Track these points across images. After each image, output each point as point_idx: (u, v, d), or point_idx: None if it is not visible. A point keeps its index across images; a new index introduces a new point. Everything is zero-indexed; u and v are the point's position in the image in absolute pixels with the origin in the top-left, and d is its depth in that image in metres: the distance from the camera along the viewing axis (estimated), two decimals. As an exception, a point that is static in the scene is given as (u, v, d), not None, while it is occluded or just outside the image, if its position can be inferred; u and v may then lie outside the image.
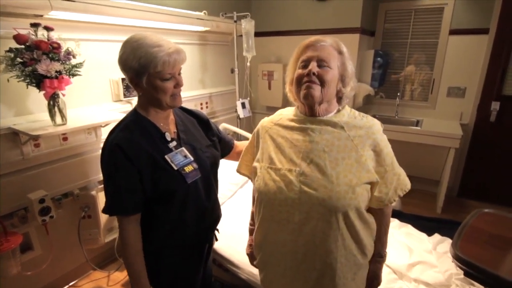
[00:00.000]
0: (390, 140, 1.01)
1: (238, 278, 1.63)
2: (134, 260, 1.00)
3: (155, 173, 1.00)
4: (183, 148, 1.09)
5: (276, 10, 3.35)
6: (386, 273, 1.53)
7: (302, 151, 0.95)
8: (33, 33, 1.49)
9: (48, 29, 1.53)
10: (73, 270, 2.07)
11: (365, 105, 3.51)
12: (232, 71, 2.95)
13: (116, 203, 0.99)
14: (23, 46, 1.46)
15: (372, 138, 0.95)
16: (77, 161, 1.86)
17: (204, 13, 2.62)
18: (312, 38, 0.98)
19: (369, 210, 1.00)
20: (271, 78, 3.39)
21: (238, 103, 2.96)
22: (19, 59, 1.44)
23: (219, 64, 3.12)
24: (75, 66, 1.62)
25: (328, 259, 0.92)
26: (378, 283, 1.10)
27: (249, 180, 1.21)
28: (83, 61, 1.67)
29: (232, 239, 1.74)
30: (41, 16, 1.60)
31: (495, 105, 2.90)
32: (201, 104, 2.89)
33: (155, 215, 1.05)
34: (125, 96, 2.12)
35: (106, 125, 1.85)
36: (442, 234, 1.87)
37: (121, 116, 1.12)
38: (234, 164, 1.25)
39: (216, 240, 1.36)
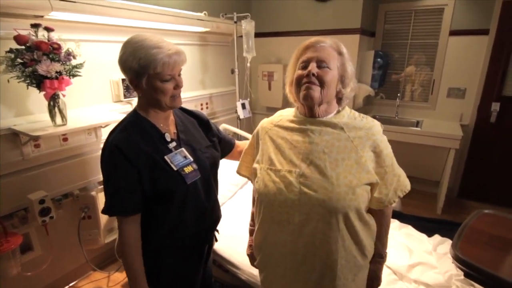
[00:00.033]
0: (390, 141, 1.01)
1: (238, 279, 1.62)
2: (133, 261, 1.00)
3: (154, 174, 1.00)
4: (183, 149, 1.09)
5: (276, 11, 3.35)
6: (386, 274, 1.53)
7: (302, 152, 0.95)
8: (34, 34, 1.49)
9: (48, 29, 1.53)
10: (73, 271, 2.07)
11: (365, 106, 3.51)
12: (232, 71, 2.95)
13: (115, 204, 0.99)
14: (23, 47, 1.46)
15: (372, 139, 0.95)
16: (77, 162, 1.86)
17: (204, 14, 2.62)
18: (312, 39, 0.98)
19: (369, 211, 1.00)
20: (271, 79, 3.39)
21: (238, 104, 2.96)
22: (19, 60, 1.45)
23: (219, 65, 3.12)
24: (75, 66, 1.63)
25: (328, 260, 0.92)
26: (378, 284, 1.10)
27: (249, 181, 1.21)
28: (83, 62, 1.67)
29: (232, 239, 1.74)
30: (42, 16, 1.60)
31: (495, 106, 2.90)
32: (201, 104, 2.89)
33: (154, 215, 1.05)
34: (125, 96, 2.13)
35: (106, 125, 1.86)
36: (442, 235, 1.87)
37: (121, 116, 1.12)
38: (234, 164, 1.24)
39: (216, 240, 1.36)
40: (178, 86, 1.03)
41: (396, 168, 0.99)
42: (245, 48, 2.78)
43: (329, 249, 0.91)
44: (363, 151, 0.93)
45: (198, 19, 2.49)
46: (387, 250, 1.09)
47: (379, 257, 1.06)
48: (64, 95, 1.63)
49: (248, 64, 2.93)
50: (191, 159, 1.09)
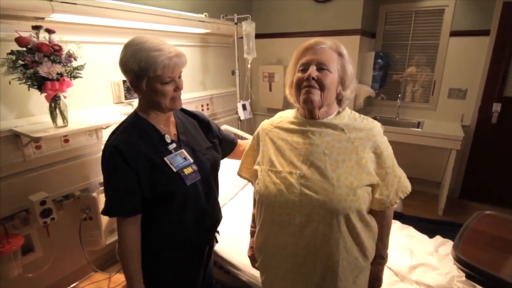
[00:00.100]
0: (391, 142, 1.01)
1: (239, 280, 1.62)
2: (130, 262, 1.01)
3: (154, 175, 1.00)
4: (183, 150, 1.09)
5: (276, 12, 3.35)
6: (387, 275, 1.53)
7: (302, 154, 0.95)
8: (35, 36, 1.50)
9: (49, 31, 1.54)
10: (74, 272, 2.07)
11: (366, 107, 3.51)
12: (233, 73, 2.96)
13: (115, 205, 1.00)
14: (24, 49, 1.46)
15: (373, 140, 0.95)
16: (78, 163, 1.87)
17: (205, 15, 2.62)
18: (312, 40, 0.97)
19: (371, 212, 1.00)
20: (271, 80, 3.39)
21: (239, 105, 2.97)
22: (20, 62, 1.45)
23: (220, 66, 3.13)
24: (76, 68, 1.63)
25: (329, 261, 0.92)
26: (379, 285, 1.09)
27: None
28: (84, 63, 1.67)
29: (233, 241, 1.74)
30: (43, 18, 1.61)
31: (497, 107, 2.90)
32: (202, 106, 2.90)
33: (154, 217, 1.05)
34: (126, 98, 2.13)
35: (107, 127, 1.86)
36: (444, 236, 1.86)
37: (122, 118, 1.12)
38: (235, 166, 1.24)
39: (217, 242, 1.35)
40: (178, 88, 1.03)
41: (397, 169, 0.99)
42: (245, 49, 2.79)
43: (330, 250, 0.91)
44: (364, 152, 0.93)
45: (198, 21, 2.50)
46: (388, 251, 1.09)
47: (380, 258, 1.06)
48: (65, 97, 1.63)
49: (249, 65, 2.93)
50: (191, 160, 1.09)
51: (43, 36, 1.53)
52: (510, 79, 2.82)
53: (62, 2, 1.54)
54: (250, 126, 3.39)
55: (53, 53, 1.52)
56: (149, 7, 2.09)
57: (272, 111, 3.46)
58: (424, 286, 1.51)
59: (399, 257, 1.66)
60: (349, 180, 0.89)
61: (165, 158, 1.03)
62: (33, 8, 1.48)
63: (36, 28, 1.50)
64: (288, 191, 0.92)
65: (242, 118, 2.98)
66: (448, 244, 1.77)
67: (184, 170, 1.05)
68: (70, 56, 1.59)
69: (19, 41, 1.45)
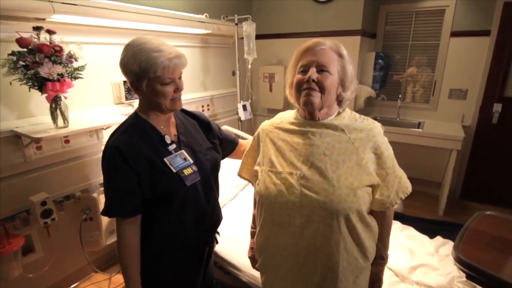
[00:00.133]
0: (391, 142, 1.01)
1: (239, 280, 1.62)
2: (128, 263, 1.01)
3: (154, 176, 1.00)
4: (183, 151, 1.09)
5: (277, 13, 3.36)
6: (388, 276, 1.53)
7: (302, 155, 0.95)
8: (36, 37, 1.50)
9: (50, 32, 1.54)
10: (75, 273, 2.07)
11: (367, 107, 3.51)
12: (234, 73, 2.96)
13: (115, 206, 1.00)
14: (25, 49, 1.47)
15: (373, 140, 0.94)
16: (78, 164, 1.87)
17: (206, 16, 2.63)
18: (311, 41, 0.96)
19: (371, 212, 1.00)
20: (272, 81, 3.39)
21: (239, 106, 2.97)
22: (21, 62, 1.45)
23: (220, 67, 3.13)
24: (77, 69, 1.63)
25: (329, 262, 0.92)
26: (380, 286, 1.09)
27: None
28: (85, 64, 1.68)
29: (233, 241, 1.74)
30: (44, 19, 1.61)
31: (497, 107, 2.90)
32: (203, 106, 2.90)
33: (155, 218, 1.05)
34: (126, 98, 2.13)
35: (108, 127, 1.86)
36: (444, 237, 1.86)
37: (123, 118, 1.13)
38: (236, 166, 1.24)
39: (217, 243, 1.35)
40: (178, 89, 1.03)
41: (397, 169, 0.99)
42: (246, 50, 2.79)
43: (331, 251, 0.91)
44: (364, 153, 0.93)
45: (199, 21, 2.50)
46: (389, 252, 1.09)
47: (380, 259, 1.06)
48: (65, 97, 1.64)
49: (249, 66, 2.93)
50: (191, 161, 1.09)
51: (44, 37, 1.53)
52: (511, 79, 2.82)
53: (63, 3, 1.54)
54: (250, 126, 3.39)
55: (54, 54, 1.52)
56: (150, 8, 2.09)
57: (272, 112, 3.46)
58: (425, 287, 1.51)
59: (399, 258, 1.66)
60: (349, 181, 0.89)
61: (164, 159, 1.03)
62: (34, 9, 1.48)
63: (37, 29, 1.50)
64: (288, 191, 0.92)
65: (242, 118, 2.98)
66: (449, 245, 1.77)
67: (184, 170, 1.05)
68: (70, 57, 1.59)
69: (20, 42, 1.45)
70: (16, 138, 1.58)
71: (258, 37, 3.02)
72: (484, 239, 1.43)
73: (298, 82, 0.95)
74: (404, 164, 1.10)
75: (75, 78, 1.63)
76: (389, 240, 1.07)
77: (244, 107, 2.98)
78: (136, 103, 2.16)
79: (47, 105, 1.60)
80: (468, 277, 1.27)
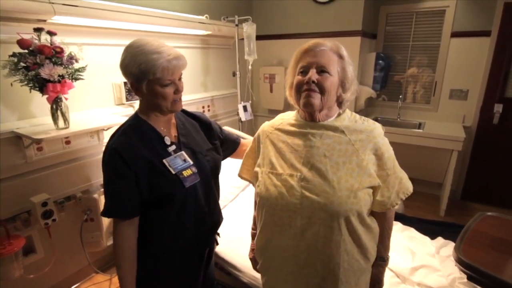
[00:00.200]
0: (392, 143, 1.01)
1: (240, 281, 1.62)
2: (122, 264, 1.01)
3: (153, 178, 1.00)
4: (183, 152, 1.09)
5: (277, 14, 3.36)
6: (388, 277, 1.53)
7: (303, 156, 0.95)
8: (36, 38, 1.50)
9: (51, 33, 1.54)
10: (76, 273, 2.07)
11: (367, 108, 3.51)
12: (234, 74, 2.96)
13: (114, 207, 1.00)
14: (26, 51, 1.47)
15: (373, 142, 0.94)
16: (79, 165, 1.87)
17: (206, 17, 2.63)
18: (311, 42, 0.96)
19: (372, 213, 1.00)
20: (272, 81, 3.39)
21: (240, 106, 2.97)
22: (22, 64, 1.46)
23: (221, 68, 3.13)
24: (77, 70, 1.63)
25: (330, 264, 0.92)
26: (381, 287, 1.09)
27: (251, 184, 1.21)
28: (86, 65, 1.68)
29: (234, 242, 1.74)
30: (44, 21, 1.61)
31: (498, 107, 2.89)
32: (203, 107, 2.90)
33: (154, 218, 1.05)
34: (127, 99, 2.14)
35: (109, 128, 1.86)
36: (445, 238, 1.86)
37: (123, 119, 1.13)
38: (236, 167, 1.24)
39: (217, 244, 1.35)
40: (178, 91, 1.03)
41: (398, 170, 0.99)
42: (246, 51, 2.79)
43: (331, 253, 0.91)
44: (365, 154, 0.92)
45: (199, 22, 2.50)
46: (390, 253, 1.09)
47: (381, 260, 1.06)
48: (66, 99, 1.64)
49: (250, 67, 2.93)
50: (191, 162, 1.09)
51: (45, 38, 1.54)
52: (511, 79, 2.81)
53: (63, 4, 1.55)
54: (251, 127, 3.39)
55: (55, 55, 1.52)
56: (151, 9, 2.09)
57: (273, 112, 3.46)
58: (426, 288, 1.50)
59: (400, 259, 1.66)
60: (349, 183, 0.89)
61: (164, 160, 1.03)
62: (35, 11, 1.48)
63: (38, 30, 1.50)
64: (289, 193, 0.92)
65: (243, 119, 2.99)
66: (450, 246, 1.77)
67: (183, 172, 1.05)
68: (71, 58, 1.60)
69: (21, 43, 1.45)
70: (17, 139, 1.58)
71: (259, 38, 3.02)
72: (485, 240, 1.42)
73: (298, 83, 0.95)
74: (405, 164, 1.10)
75: (76, 79, 1.63)
76: (390, 241, 1.07)
77: (245, 108, 2.98)
78: (136, 104, 2.16)
79: (48, 106, 1.60)
80: (469, 278, 1.26)
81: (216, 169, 1.21)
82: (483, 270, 1.21)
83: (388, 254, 1.08)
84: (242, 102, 2.99)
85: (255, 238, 1.11)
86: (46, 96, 1.56)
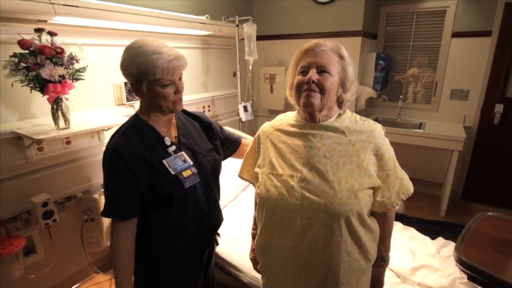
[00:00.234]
0: (392, 143, 1.01)
1: (240, 281, 1.62)
2: (119, 264, 1.00)
3: (152, 178, 1.00)
4: (183, 153, 1.09)
5: (278, 14, 3.36)
6: (389, 277, 1.53)
7: (303, 157, 0.95)
8: (37, 38, 1.51)
9: (51, 34, 1.55)
10: (76, 273, 2.07)
11: (368, 108, 3.51)
12: (234, 74, 2.96)
13: (114, 207, 1.00)
14: (27, 51, 1.47)
15: (374, 142, 0.94)
16: (80, 165, 1.87)
17: (206, 17, 2.63)
18: (312, 42, 0.96)
19: (372, 213, 1.00)
20: (273, 82, 3.39)
21: (240, 107, 2.97)
22: (23, 64, 1.46)
23: (221, 68, 3.13)
24: (78, 70, 1.64)
25: (330, 265, 0.92)
26: (381, 287, 1.09)
27: (251, 184, 1.21)
28: (86, 66, 1.68)
29: (234, 242, 1.74)
30: (45, 21, 1.61)
31: (499, 108, 2.89)
32: (204, 107, 2.90)
33: (154, 218, 1.05)
34: (127, 100, 2.14)
35: (109, 129, 1.86)
36: (446, 238, 1.86)
37: (124, 119, 1.13)
38: (236, 167, 1.24)
39: (217, 244, 1.35)
40: (178, 91, 1.03)
41: (399, 171, 0.99)
42: (247, 51, 2.79)
43: (332, 253, 0.91)
44: (365, 155, 0.92)
45: (200, 23, 2.50)
46: (390, 253, 1.09)
47: (381, 261, 1.06)
48: (67, 99, 1.64)
49: (250, 67, 2.93)
50: (191, 163, 1.09)
51: (45, 39, 1.54)
52: (512, 80, 2.81)
53: (64, 5, 1.55)
54: (251, 127, 3.39)
55: (55, 55, 1.53)
56: (151, 9, 2.09)
57: (273, 113, 3.46)
58: (426, 288, 1.50)
59: (401, 259, 1.65)
60: (350, 183, 0.89)
61: (163, 161, 1.03)
62: (35, 11, 1.49)
63: (39, 30, 1.51)
64: (289, 194, 0.92)
65: (243, 119, 2.99)
66: (450, 246, 1.77)
67: (183, 172, 1.05)
68: (72, 59, 1.60)
69: (22, 43, 1.46)
70: (17, 140, 1.58)
71: (259, 38, 3.02)
72: (486, 240, 1.42)
73: (298, 83, 0.95)
74: (405, 165, 1.10)
75: (76, 79, 1.64)
76: (390, 242, 1.07)
77: (245, 108, 2.99)
78: (137, 104, 2.17)
79: (48, 106, 1.61)
80: (470, 278, 1.26)
81: (216, 170, 1.21)
82: (484, 270, 1.21)
83: (388, 254, 1.08)
84: (242, 102, 2.99)
85: (256, 238, 1.11)
86: (47, 96, 1.56)
